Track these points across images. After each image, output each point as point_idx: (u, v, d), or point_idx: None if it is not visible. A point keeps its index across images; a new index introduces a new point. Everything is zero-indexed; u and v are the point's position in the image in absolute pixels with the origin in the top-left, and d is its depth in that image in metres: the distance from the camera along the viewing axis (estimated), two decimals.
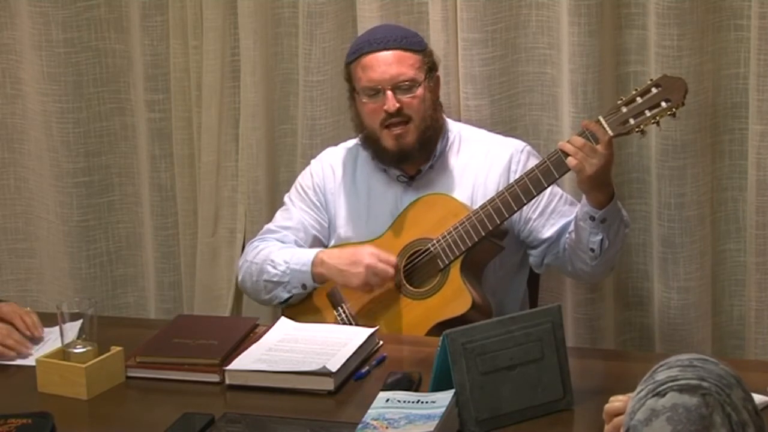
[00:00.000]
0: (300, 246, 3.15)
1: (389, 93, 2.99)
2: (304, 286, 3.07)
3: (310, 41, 3.41)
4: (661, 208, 3.19)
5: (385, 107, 3.00)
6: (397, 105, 2.99)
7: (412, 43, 3.04)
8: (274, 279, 3.09)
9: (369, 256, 2.95)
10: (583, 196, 2.92)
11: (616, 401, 1.93)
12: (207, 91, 3.55)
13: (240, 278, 3.21)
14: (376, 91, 3.01)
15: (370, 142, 3.07)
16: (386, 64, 3.00)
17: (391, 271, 2.95)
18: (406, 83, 3.00)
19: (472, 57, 3.27)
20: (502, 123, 3.31)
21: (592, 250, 2.93)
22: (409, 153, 3.04)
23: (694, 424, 1.52)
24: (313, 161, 3.24)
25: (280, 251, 3.11)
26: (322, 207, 3.18)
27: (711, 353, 3.14)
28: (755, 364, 2.94)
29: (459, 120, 3.27)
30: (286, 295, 3.10)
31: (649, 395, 1.57)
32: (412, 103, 3.01)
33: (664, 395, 1.55)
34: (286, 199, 3.24)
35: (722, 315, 3.30)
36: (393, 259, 2.97)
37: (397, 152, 3.04)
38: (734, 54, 3.15)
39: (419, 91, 3.01)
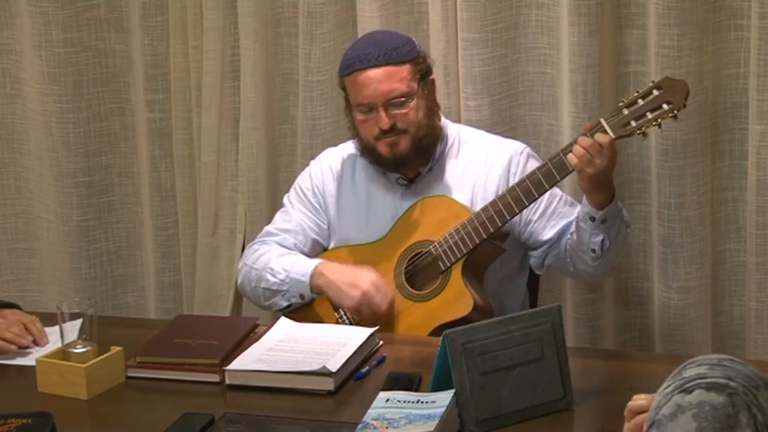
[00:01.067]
0: (300, 249, 3.15)
1: (382, 112, 2.99)
2: (302, 296, 3.06)
3: (310, 41, 3.41)
4: (661, 208, 3.19)
5: (379, 125, 3.00)
6: (390, 122, 2.99)
7: (403, 53, 3.01)
8: (273, 287, 3.09)
9: (370, 284, 2.95)
10: (584, 197, 2.92)
11: (639, 399, 1.93)
12: (207, 91, 3.55)
13: (239, 282, 3.21)
14: (370, 108, 3.01)
15: (367, 151, 3.07)
16: (377, 81, 2.99)
17: (384, 307, 2.95)
18: (399, 99, 2.99)
19: (472, 57, 3.27)
20: (502, 123, 3.31)
21: (594, 250, 2.93)
22: (404, 159, 3.04)
23: (719, 422, 1.52)
24: (312, 162, 3.24)
25: (279, 258, 3.10)
26: (322, 209, 3.17)
27: (711, 353, 3.14)
28: (755, 364, 2.91)
29: (458, 121, 3.27)
30: (284, 303, 3.09)
31: (675, 391, 1.57)
32: (406, 117, 3.00)
33: (691, 392, 1.56)
34: (285, 200, 3.24)
35: (722, 315, 3.30)
36: (391, 293, 2.97)
37: (392, 159, 3.04)
38: (734, 54, 3.15)
39: (412, 103, 3.00)
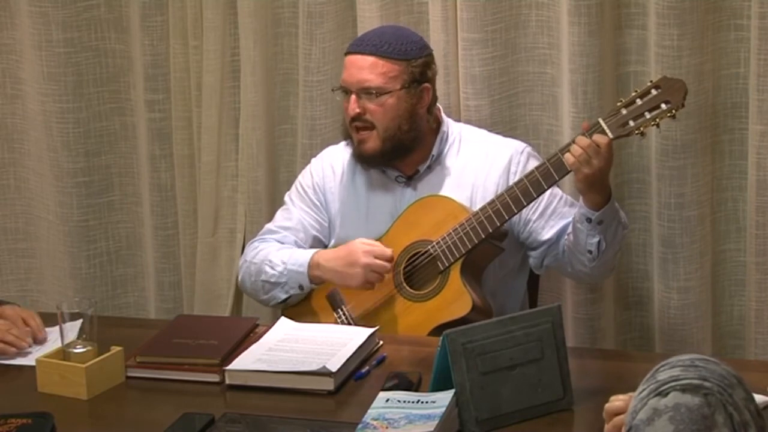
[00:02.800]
0: (300, 246, 3.16)
1: (353, 97, 3.03)
2: (301, 287, 3.07)
3: (310, 41, 3.41)
4: (661, 208, 3.19)
5: (347, 110, 3.02)
6: (357, 110, 3.03)
7: (397, 51, 3.03)
8: (272, 279, 3.10)
9: (364, 255, 2.95)
10: (580, 198, 2.93)
11: (616, 401, 1.93)
12: (207, 91, 3.55)
13: (240, 278, 3.22)
14: (345, 91, 3.05)
15: (350, 138, 3.11)
16: (357, 68, 3.03)
17: (388, 266, 2.96)
18: (372, 90, 3.01)
19: (472, 57, 3.27)
20: (502, 123, 3.31)
21: (590, 251, 2.93)
22: (370, 158, 3.07)
23: (696, 423, 1.52)
24: (313, 160, 3.25)
25: (278, 252, 3.11)
26: (322, 206, 3.18)
27: (711, 353, 3.14)
28: (755, 364, 2.94)
29: (459, 120, 3.27)
30: (283, 296, 3.10)
31: (651, 395, 1.57)
32: (375, 111, 3.02)
33: (667, 395, 1.55)
34: (286, 198, 3.25)
35: (722, 315, 3.30)
36: (388, 252, 2.96)
37: (358, 154, 3.08)
38: (734, 54, 3.15)
39: (387, 99, 3.01)
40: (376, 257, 2.95)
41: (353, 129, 3.06)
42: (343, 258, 2.99)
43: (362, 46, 3.04)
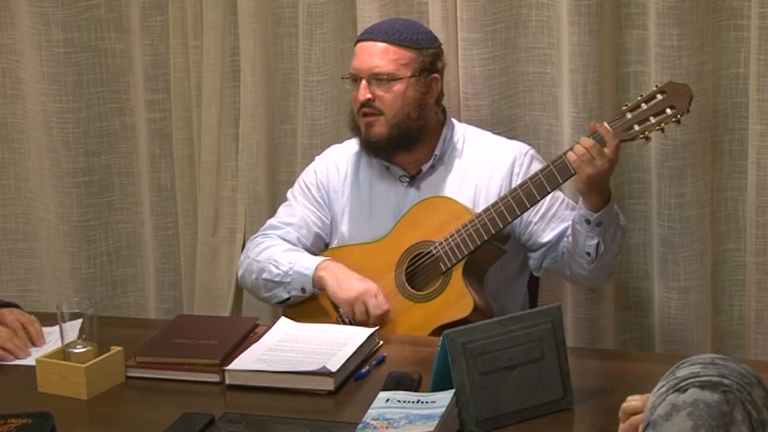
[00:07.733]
0: (303, 243, 3.16)
1: (363, 82, 3.03)
2: (303, 290, 3.07)
3: (310, 41, 3.41)
4: (661, 208, 3.19)
5: (357, 96, 3.03)
6: (368, 96, 3.03)
7: (408, 39, 3.04)
8: (276, 279, 3.10)
9: (375, 289, 2.96)
10: (580, 200, 2.93)
11: (633, 400, 1.93)
12: (207, 91, 3.55)
13: (240, 274, 3.22)
14: (355, 79, 3.06)
15: (356, 131, 3.11)
16: (368, 54, 3.04)
17: (376, 313, 2.94)
18: (383, 76, 3.02)
19: (472, 57, 3.27)
20: (502, 123, 3.31)
21: (588, 253, 2.93)
22: (376, 144, 3.06)
23: (714, 419, 1.53)
24: (317, 158, 3.25)
25: (284, 252, 3.11)
26: (325, 204, 3.18)
27: (711, 353, 3.14)
28: (755, 364, 2.93)
29: (461, 120, 3.27)
30: (285, 296, 3.10)
31: (670, 391, 1.58)
32: (385, 97, 3.03)
33: (686, 391, 1.56)
34: (289, 194, 3.25)
35: (722, 315, 3.30)
36: (386, 307, 2.97)
37: (365, 140, 3.08)
38: (734, 54, 3.15)
39: (397, 86, 3.02)
40: (377, 299, 2.95)
41: (360, 115, 3.06)
42: (354, 275, 2.99)
43: (374, 33, 3.06)
